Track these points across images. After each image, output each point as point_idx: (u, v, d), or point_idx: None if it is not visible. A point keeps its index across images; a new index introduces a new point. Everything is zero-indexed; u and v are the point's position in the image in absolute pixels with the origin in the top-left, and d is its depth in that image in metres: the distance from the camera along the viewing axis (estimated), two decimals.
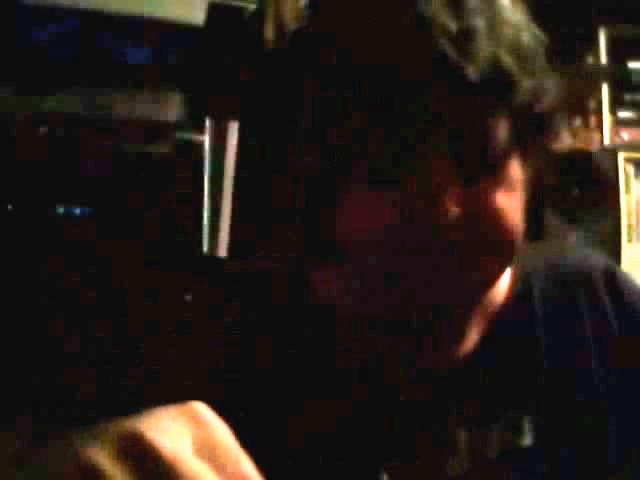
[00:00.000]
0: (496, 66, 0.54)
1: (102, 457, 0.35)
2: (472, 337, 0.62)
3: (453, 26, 0.53)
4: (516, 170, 0.58)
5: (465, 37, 0.53)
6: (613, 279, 0.70)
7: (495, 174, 0.57)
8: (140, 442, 0.36)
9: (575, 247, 0.74)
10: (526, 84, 0.56)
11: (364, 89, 0.54)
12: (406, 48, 0.53)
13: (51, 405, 0.67)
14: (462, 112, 0.54)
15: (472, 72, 0.52)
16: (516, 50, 0.56)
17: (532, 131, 0.58)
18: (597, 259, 0.73)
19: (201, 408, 0.38)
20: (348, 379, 0.63)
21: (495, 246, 0.58)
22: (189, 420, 0.37)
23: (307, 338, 0.65)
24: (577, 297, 0.68)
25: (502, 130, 0.56)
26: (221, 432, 0.38)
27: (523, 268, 0.68)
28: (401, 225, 0.55)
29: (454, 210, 0.54)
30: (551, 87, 0.59)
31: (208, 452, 0.37)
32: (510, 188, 0.58)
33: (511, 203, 0.58)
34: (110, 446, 0.36)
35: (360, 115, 0.54)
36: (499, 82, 0.54)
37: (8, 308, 1.71)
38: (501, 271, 0.61)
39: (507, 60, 0.55)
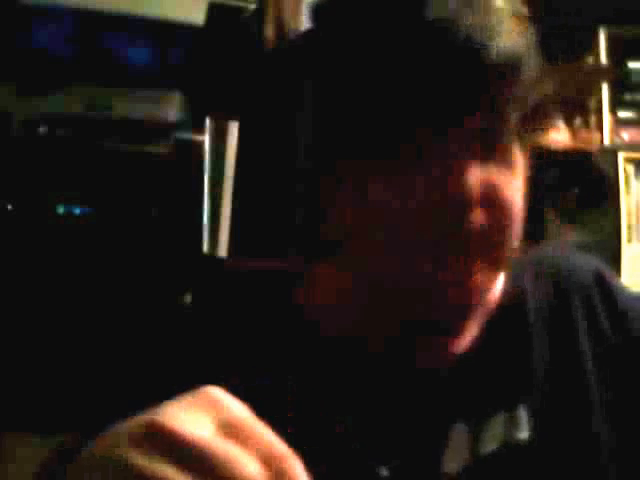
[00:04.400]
0: (513, 45, 0.55)
1: (134, 455, 0.37)
2: (468, 336, 0.62)
3: (470, 18, 0.54)
4: (519, 156, 0.59)
5: (484, 24, 0.54)
6: (604, 282, 0.70)
7: (506, 156, 0.57)
8: (163, 433, 0.37)
9: (564, 248, 0.74)
10: (531, 66, 0.57)
11: (378, 68, 0.54)
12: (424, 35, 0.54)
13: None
14: (484, 91, 0.55)
15: (495, 48, 0.54)
16: (520, 35, 0.57)
17: (532, 117, 0.59)
18: (588, 261, 0.74)
19: (214, 391, 0.40)
20: (345, 376, 0.63)
21: (504, 234, 0.58)
22: (205, 404, 0.39)
23: (305, 339, 0.65)
24: (569, 299, 0.69)
25: (512, 111, 0.56)
26: (237, 409, 0.40)
27: (515, 269, 0.68)
28: (414, 211, 0.55)
29: (475, 191, 0.55)
30: (548, 74, 0.60)
31: (230, 429, 0.38)
32: (517, 173, 0.59)
33: (519, 189, 0.58)
34: (138, 443, 0.38)
35: (375, 96, 0.55)
36: (515, 61, 0.55)
37: (8, 308, 1.71)
38: (504, 264, 0.62)
39: (520, 40, 0.56)
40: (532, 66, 0.57)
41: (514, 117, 0.57)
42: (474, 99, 0.55)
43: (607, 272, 0.72)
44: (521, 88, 0.56)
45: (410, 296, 0.57)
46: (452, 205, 0.54)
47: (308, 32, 0.60)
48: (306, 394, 0.63)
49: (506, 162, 0.58)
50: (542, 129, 0.61)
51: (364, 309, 0.61)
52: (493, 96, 0.55)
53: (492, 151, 0.57)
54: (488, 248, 0.57)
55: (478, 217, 0.55)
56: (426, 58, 0.53)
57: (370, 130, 0.55)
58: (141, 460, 0.37)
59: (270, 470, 0.37)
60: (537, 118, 0.60)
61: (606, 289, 0.70)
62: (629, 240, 2.28)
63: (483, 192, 0.55)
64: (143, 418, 0.39)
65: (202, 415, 0.39)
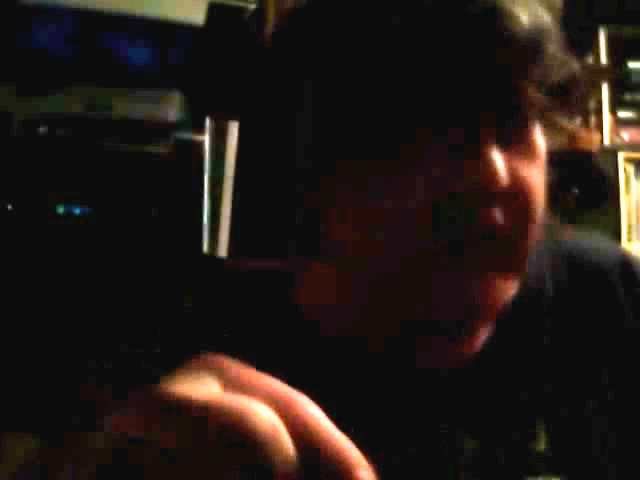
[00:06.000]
0: (537, 20, 0.52)
1: (129, 422, 0.34)
2: (481, 336, 0.60)
3: None
4: (542, 140, 0.57)
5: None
6: (631, 271, 0.68)
7: (529, 141, 0.55)
8: (169, 402, 0.34)
9: (588, 235, 0.71)
10: (557, 44, 0.54)
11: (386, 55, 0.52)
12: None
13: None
14: (500, 69, 0.52)
15: (518, 23, 0.51)
16: (551, 9, 0.54)
17: (556, 99, 0.56)
18: (612, 247, 0.71)
19: (214, 355, 0.38)
20: (345, 377, 0.63)
21: (526, 232, 0.55)
22: (207, 366, 0.37)
23: (305, 339, 0.65)
24: (591, 288, 0.66)
25: (533, 93, 0.53)
26: (239, 366, 0.37)
27: (534, 257, 0.66)
28: (414, 211, 0.54)
29: (502, 180, 0.52)
30: (571, 55, 0.57)
31: (238, 386, 0.36)
32: (540, 161, 0.56)
33: (541, 178, 0.56)
34: (145, 414, 0.34)
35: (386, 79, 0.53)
36: (539, 38, 0.52)
37: (8, 308, 1.71)
38: (525, 259, 0.58)
39: (546, 16, 0.53)
40: (555, 41, 0.54)
41: (537, 97, 0.54)
42: (494, 83, 0.52)
43: (634, 260, 0.69)
44: (545, 66, 0.53)
45: (410, 296, 0.57)
46: (470, 198, 0.51)
47: (305, 31, 0.59)
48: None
49: (529, 148, 0.55)
50: (569, 110, 0.56)
51: (364, 309, 0.61)
52: (513, 78, 0.52)
53: (515, 135, 0.54)
54: (508, 248, 0.55)
55: (499, 213, 0.53)
56: (429, 54, 0.52)
57: (370, 130, 0.55)
58: (137, 426, 0.33)
59: (282, 415, 0.34)
60: (564, 98, 0.56)
61: (632, 278, 0.67)
62: (629, 240, 2.28)
63: (510, 182, 0.53)
64: (149, 391, 0.35)
65: (205, 376, 0.36)
